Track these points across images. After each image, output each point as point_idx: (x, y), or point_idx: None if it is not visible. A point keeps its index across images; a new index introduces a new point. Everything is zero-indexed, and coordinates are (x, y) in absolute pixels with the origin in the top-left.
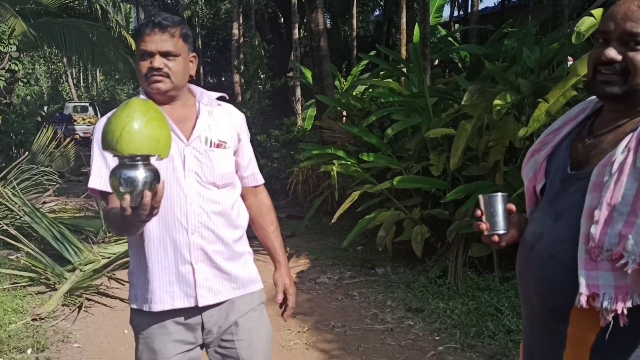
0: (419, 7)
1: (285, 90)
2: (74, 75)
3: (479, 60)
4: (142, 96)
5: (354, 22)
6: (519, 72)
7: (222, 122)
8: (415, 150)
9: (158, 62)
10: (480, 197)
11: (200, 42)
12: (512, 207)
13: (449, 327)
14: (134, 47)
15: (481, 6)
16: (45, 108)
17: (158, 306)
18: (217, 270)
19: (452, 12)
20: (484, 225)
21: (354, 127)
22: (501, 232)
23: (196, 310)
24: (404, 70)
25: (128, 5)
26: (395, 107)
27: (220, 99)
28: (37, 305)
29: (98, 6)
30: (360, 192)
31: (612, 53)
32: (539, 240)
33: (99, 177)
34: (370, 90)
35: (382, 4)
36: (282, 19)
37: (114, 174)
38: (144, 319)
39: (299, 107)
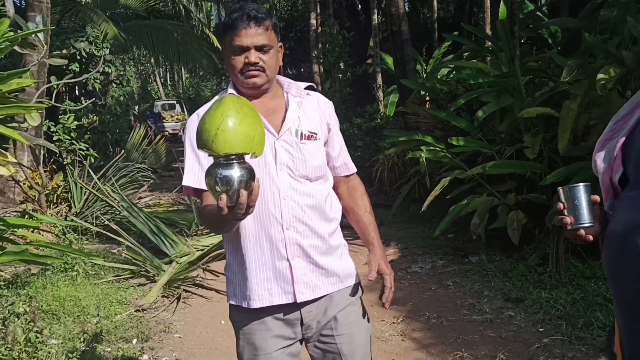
0: None
1: (366, 78)
2: (161, 75)
3: (571, 35)
4: (230, 90)
5: (435, 3)
6: (621, 44)
7: (311, 112)
8: (508, 133)
9: (254, 56)
10: (560, 189)
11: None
12: (597, 197)
13: (553, 318)
14: (216, 44)
15: None
16: (136, 107)
17: (256, 303)
18: (313, 265)
19: None
20: (568, 219)
21: (441, 112)
22: (587, 224)
23: (295, 306)
24: (491, 49)
25: (209, 4)
26: (484, 88)
27: (308, 88)
28: (139, 297)
29: (181, 6)
30: (450, 178)
31: None
32: (634, 230)
33: (193, 175)
34: (455, 72)
35: None
36: (359, 6)
37: (210, 174)
38: (243, 315)
39: (380, 94)
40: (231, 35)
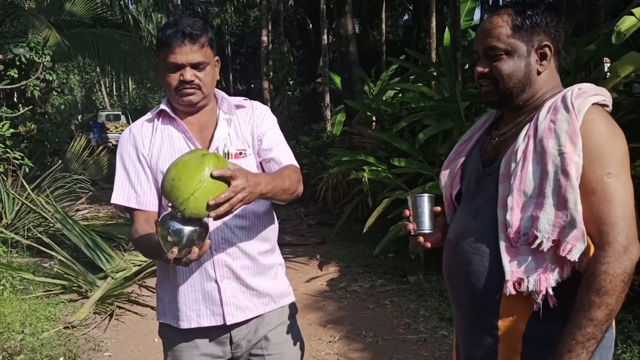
0: (450, 10)
1: (314, 96)
2: (107, 85)
3: None
4: (163, 106)
5: (383, 26)
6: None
7: (243, 126)
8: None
9: (189, 74)
10: (408, 197)
11: (229, 50)
12: (438, 208)
13: None
14: None
15: None
16: (79, 117)
17: (185, 323)
18: (244, 286)
19: (482, 15)
20: (411, 226)
21: (384, 133)
22: (427, 231)
23: (224, 328)
24: (435, 74)
25: (159, 15)
26: (427, 111)
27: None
28: (69, 313)
29: (130, 16)
30: (391, 199)
31: (480, 68)
32: (462, 238)
33: (123, 192)
34: (401, 95)
35: (411, 8)
36: (310, 25)
37: (165, 224)
38: (172, 334)
39: (328, 113)
40: (165, 52)
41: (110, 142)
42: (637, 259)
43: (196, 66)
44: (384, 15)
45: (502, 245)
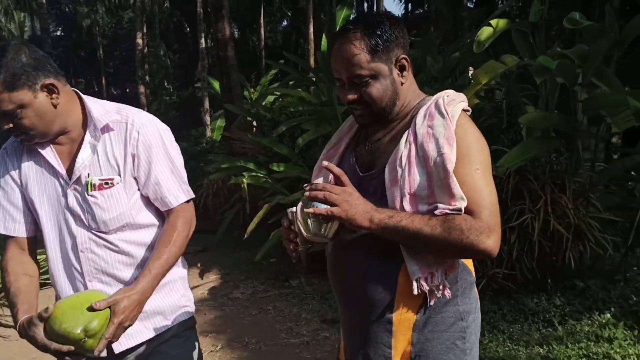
0: (326, 17)
1: (194, 101)
2: None
3: None
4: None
5: (262, 32)
6: (423, 81)
7: (114, 148)
8: None
9: (7, 123)
10: (289, 211)
11: (101, 52)
12: None
13: None
14: None
15: None
16: None
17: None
18: None
19: (330, 41)
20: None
21: (264, 138)
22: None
23: (114, 357)
24: (314, 79)
25: (22, 14)
26: (305, 116)
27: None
28: None
29: None
30: (271, 204)
31: (350, 96)
32: (353, 241)
33: None
34: (280, 100)
35: (289, 14)
36: (188, 29)
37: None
38: None
39: (207, 118)
40: None
41: None
42: (497, 245)
43: (11, 114)
44: (262, 21)
45: (404, 246)
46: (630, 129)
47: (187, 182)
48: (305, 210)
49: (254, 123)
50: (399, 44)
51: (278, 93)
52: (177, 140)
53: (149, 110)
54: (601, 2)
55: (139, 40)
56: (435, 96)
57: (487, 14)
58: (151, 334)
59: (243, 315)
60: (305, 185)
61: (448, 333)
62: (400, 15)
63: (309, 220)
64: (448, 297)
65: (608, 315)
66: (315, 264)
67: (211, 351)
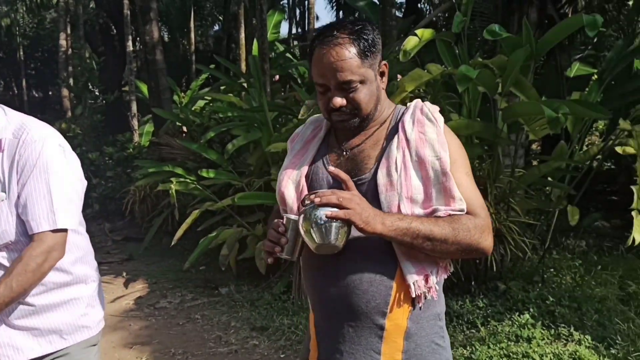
0: (257, 22)
1: (121, 106)
2: None
3: None
4: None
5: (192, 36)
6: None
7: (0, 166)
8: (257, 166)
9: None
10: (287, 217)
11: (22, 53)
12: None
13: (294, 343)
14: None
15: (318, 24)
16: None
17: None
18: (16, 329)
19: (290, 29)
20: (278, 249)
21: (193, 143)
22: (291, 258)
23: None
24: (244, 84)
25: None
26: (235, 122)
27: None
28: None
29: None
30: (200, 210)
31: (339, 101)
32: (347, 248)
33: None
34: (210, 104)
35: (221, 19)
36: (114, 30)
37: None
38: None
39: (135, 123)
40: None
41: None
42: (492, 244)
43: None
44: (192, 25)
45: (401, 250)
46: (549, 136)
47: (66, 210)
48: (316, 214)
49: (184, 128)
50: (379, 50)
51: (209, 98)
52: (102, 145)
53: (73, 114)
54: (520, 15)
55: (63, 42)
56: (414, 104)
57: (414, 23)
58: (43, 352)
59: (170, 325)
60: (309, 194)
61: (431, 335)
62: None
63: (312, 230)
64: (435, 299)
65: (527, 316)
66: (244, 271)
67: None
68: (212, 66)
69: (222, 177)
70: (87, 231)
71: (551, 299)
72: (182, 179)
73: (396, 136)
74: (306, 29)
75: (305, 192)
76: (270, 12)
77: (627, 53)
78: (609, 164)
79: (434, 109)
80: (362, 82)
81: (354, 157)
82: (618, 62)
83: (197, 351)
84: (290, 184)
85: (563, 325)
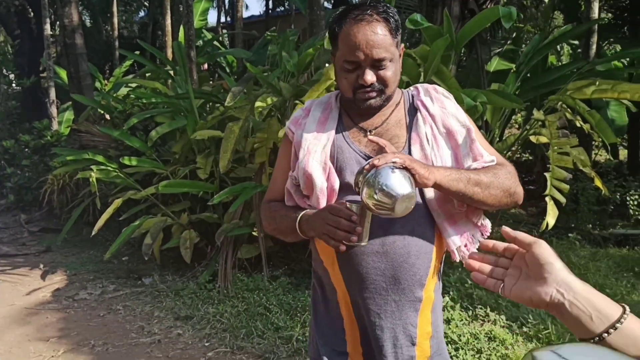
0: (184, 9)
1: (38, 92)
2: None
3: (246, 65)
4: None
5: (115, 20)
6: (280, 76)
7: None
8: (182, 154)
9: None
10: (355, 204)
11: None
12: None
13: (219, 331)
14: None
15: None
16: None
17: None
18: None
19: (219, 17)
20: (355, 238)
21: (115, 130)
22: (363, 244)
23: None
24: (171, 72)
25: None
26: (160, 108)
27: None
28: None
29: None
30: (123, 199)
31: (371, 78)
32: (391, 223)
33: None
34: (134, 91)
35: (146, 4)
36: (32, 13)
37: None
38: None
39: (54, 110)
40: None
41: None
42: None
43: None
44: (115, 9)
45: (442, 219)
46: None
47: None
48: (380, 176)
49: (106, 116)
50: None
51: (133, 85)
52: (17, 133)
53: None
54: (443, 8)
55: None
56: (422, 86)
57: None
58: None
59: (90, 317)
60: (363, 166)
61: (440, 307)
62: (261, 12)
63: (382, 194)
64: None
65: (447, 299)
66: (168, 260)
67: (52, 356)
68: (136, 52)
69: (145, 165)
70: (1, 222)
71: (469, 282)
72: (103, 167)
73: (418, 113)
74: (235, 17)
75: (333, 172)
76: None
77: (542, 47)
78: (527, 155)
79: (442, 89)
80: (391, 60)
81: (380, 137)
82: (534, 56)
83: (118, 342)
84: (316, 165)
85: (480, 306)
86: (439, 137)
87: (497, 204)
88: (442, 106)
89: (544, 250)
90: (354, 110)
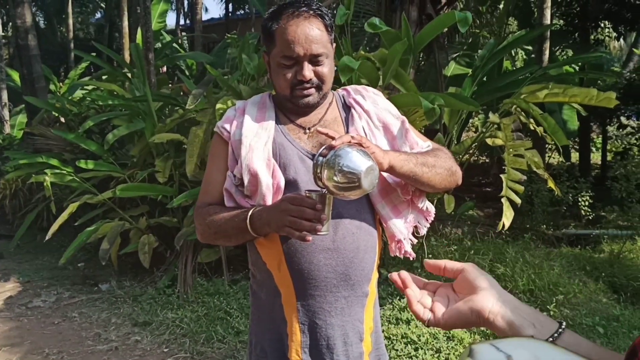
0: (141, 10)
1: None
2: None
3: (205, 68)
4: None
5: (70, 22)
6: (240, 79)
7: None
8: (140, 157)
9: None
10: (315, 194)
11: None
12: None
13: (178, 337)
14: None
15: (207, 17)
16: None
17: None
18: None
19: (178, 20)
20: (320, 226)
21: (69, 133)
22: (324, 233)
23: None
24: (129, 74)
25: None
26: (117, 111)
27: None
28: None
29: None
30: (79, 203)
31: (309, 73)
32: (341, 220)
33: None
34: (91, 94)
35: (103, 5)
36: None
37: None
38: None
39: (6, 113)
40: None
41: None
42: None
43: None
44: (70, 10)
45: (387, 210)
46: (427, 129)
47: None
48: (339, 156)
49: (61, 119)
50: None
51: (89, 87)
52: None
53: None
54: (402, 12)
55: None
56: (352, 87)
57: None
58: None
59: (44, 325)
60: (322, 149)
61: (378, 303)
62: (221, 15)
63: (343, 174)
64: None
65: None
66: (126, 265)
67: None
68: (93, 54)
69: (102, 168)
70: None
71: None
72: (57, 171)
73: (353, 110)
74: (194, 20)
75: (277, 169)
76: (155, 0)
77: (497, 52)
78: (484, 158)
79: (372, 88)
80: (327, 57)
81: (319, 134)
82: (489, 60)
83: (73, 350)
84: (260, 162)
85: None
86: (376, 131)
87: (442, 184)
88: (374, 102)
89: (474, 269)
90: (290, 108)
